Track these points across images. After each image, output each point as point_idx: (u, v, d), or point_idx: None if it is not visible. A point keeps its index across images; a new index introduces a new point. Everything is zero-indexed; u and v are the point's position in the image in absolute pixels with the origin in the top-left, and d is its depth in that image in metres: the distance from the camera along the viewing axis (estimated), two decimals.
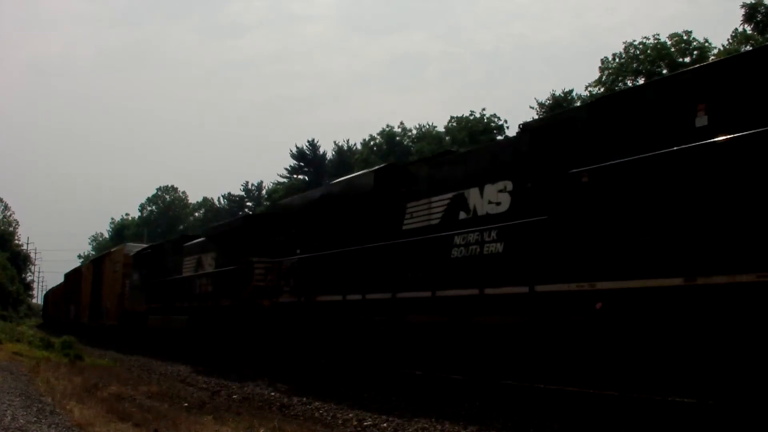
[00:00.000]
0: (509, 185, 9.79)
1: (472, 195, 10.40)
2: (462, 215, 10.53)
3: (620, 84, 39.52)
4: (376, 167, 14.25)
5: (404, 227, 11.72)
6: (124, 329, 29.09)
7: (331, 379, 12.97)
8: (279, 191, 64.92)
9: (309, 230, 14.96)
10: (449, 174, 11.10)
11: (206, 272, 20.46)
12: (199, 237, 23.65)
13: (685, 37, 39.18)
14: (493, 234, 9.76)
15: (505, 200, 9.81)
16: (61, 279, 62.23)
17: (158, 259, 25.59)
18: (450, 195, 10.85)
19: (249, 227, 18.11)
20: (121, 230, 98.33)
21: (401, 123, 55.43)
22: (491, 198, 10.06)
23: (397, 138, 53.82)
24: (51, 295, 63.27)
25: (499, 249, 9.61)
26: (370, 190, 12.94)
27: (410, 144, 52.25)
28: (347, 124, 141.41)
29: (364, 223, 12.87)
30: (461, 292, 10.15)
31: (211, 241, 20.99)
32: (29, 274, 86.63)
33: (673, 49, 39.26)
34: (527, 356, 9.16)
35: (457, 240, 10.35)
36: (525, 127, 10.04)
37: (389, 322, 11.70)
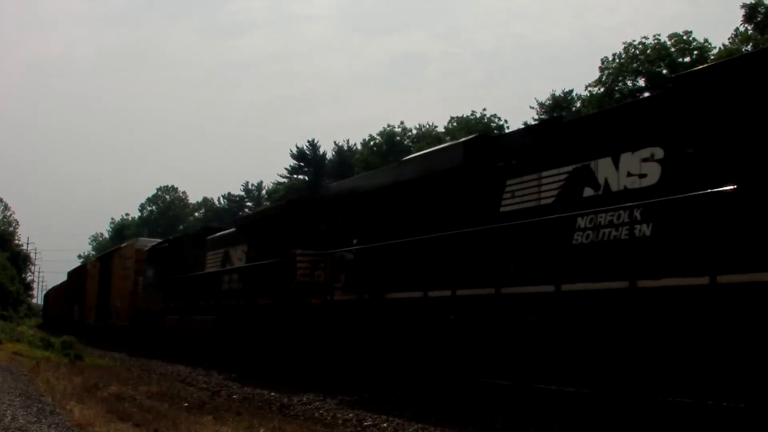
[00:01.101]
0: (658, 152, 8.01)
1: (603, 167, 8.51)
2: (588, 192, 8.65)
3: (620, 84, 39.56)
4: (465, 139, 12.14)
5: (503, 209, 9.75)
6: (136, 330, 26.90)
7: (331, 379, 12.95)
8: (279, 191, 64.93)
9: (369, 217, 13.01)
10: (566, 143, 9.17)
11: (237, 267, 18.26)
12: (224, 229, 21.83)
13: (685, 38, 39.19)
14: (643, 213, 7.71)
15: (653, 171, 8.00)
16: (61, 279, 62.28)
17: (176, 254, 23.53)
18: (569, 168, 8.92)
19: (292, 214, 15.89)
20: (121, 230, 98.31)
21: (401, 123, 55.41)
22: (631, 169, 8.23)
23: (397, 138, 53.80)
24: (52, 294, 62.18)
25: (649, 232, 7.59)
26: (458, 165, 10.89)
27: (410, 144, 52.22)
28: (347, 124, 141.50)
29: (448, 205, 10.88)
30: (597, 285, 8.10)
31: (242, 233, 18.76)
32: (29, 274, 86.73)
33: (673, 49, 39.26)
34: (705, 366, 7.13)
35: (582, 222, 8.38)
36: (683, 79, 8.30)
37: (490, 323, 9.63)
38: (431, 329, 10.71)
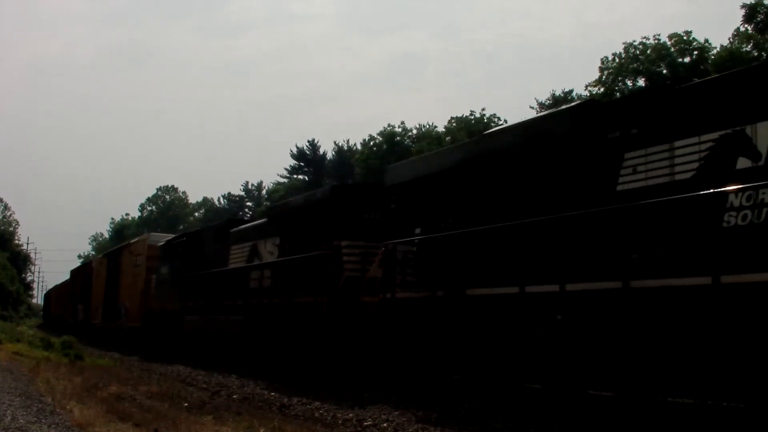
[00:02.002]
0: None
1: (765, 132, 6.98)
2: (744, 163, 7.11)
3: (620, 84, 39.57)
4: (571, 104, 10.58)
5: (621, 187, 8.21)
6: (149, 331, 24.80)
7: (332, 379, 12.94)
8: (279, 191, 64.96)
9: (438, 202, 11.19)
10: (710, 105, 7.61)
11: (270, 262, 16.39)
12: (250, 221, 20.29)
13: (685, 38, 39.20)
14: None
15: None
16: (61, 279, 62.20)
17: (194, 249, 21.58)
18: (714, 135, 7.37)
19: (337, 201, 13.97)
20: (121, 230, 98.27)
21: (402, 123, 55.42)
22: None
23: (398, 138, 53.81)
24: (54, 294, 60.61)
25: None
26: (561, 137, 9.11)
27: (410, 144, 52.22)
28: (347, 124, 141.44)
29: (548, 184, 9.15)
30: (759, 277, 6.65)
31: (274, 223, 16.79)
32: (29, 274, 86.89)
33: (673, 50, 39.28)
34: None
35: (736, 200, 6.92)
36: None
37: (619, 323, 8.01)
38: (530, 331, 9.02)
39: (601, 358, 8.17)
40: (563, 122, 9.30)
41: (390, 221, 12.34)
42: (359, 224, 13.43)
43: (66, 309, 46.68)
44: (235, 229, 19.52)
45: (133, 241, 31.18)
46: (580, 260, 8.41)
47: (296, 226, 15.50)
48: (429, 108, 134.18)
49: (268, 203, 64.03)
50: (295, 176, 70.92)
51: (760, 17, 35.43)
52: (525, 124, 10.72)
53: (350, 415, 9.21)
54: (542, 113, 12.19)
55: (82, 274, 41.68)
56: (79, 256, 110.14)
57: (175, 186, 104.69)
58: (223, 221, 23.69)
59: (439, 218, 11.06)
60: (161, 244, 25.18)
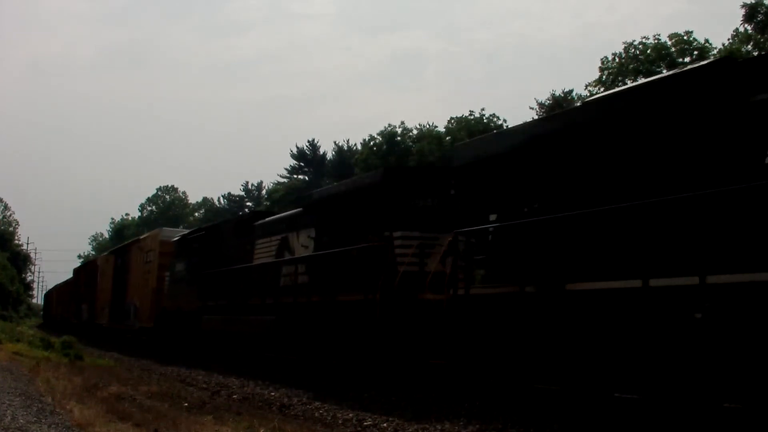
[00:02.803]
0: None
1: None
2: None
3: (620, 84, 39.55)
4: (703, 62, 9.35)
5: None
6: (161, 332, 23.31)
7: (332, 379, 12.94)
8: (279, 191, 64.93)
9: (517, 183, 9.74)
10: None
11: (305, 256, 14.77)
12: (277, 213, 18.77)
13: (685, 38, 39.22)
14: None
15: None
16: (61, 279, 62.23)
17: (213, 244, 20.09)
18: None
19: (389, 187, 12.42)
20: (121, 230, 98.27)
21: (402, 123, 55.37)
22: None
23: (398, 138, 53.78)
24: (55, 293, 59.28)
25: None
26: (690, 102, 7.75)
27: (411, 144, 52.20)
28: (347, 124, 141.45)
29: (677, 156, 7.74)
30: None
31: (310, 213, 15.16)
32: (29, 274, 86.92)
33: (673, 49, 39.30)
34: None
35: None
36: None
37: None
38: (659, 333, 7.53)
39: (760, 366, 6.60)
40: (694, 85, 7.90)
41: (452, 208, 10.98)
42: (413, 212, 12.01)
43: (69, 309, 45.41)
44: (260, 221, 17.98)
45: (143, 236, 29.29)
46: (723, 247, 7.03)
47: (337, 216, 13.90)
48: (429, 108, 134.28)
49: (267, 203, 63.99)
50: (295, 176, 70.88)
51: (760, 17, 35.43)
52: (643, 86, 9.33)
53: (350, 415, 9.22)
54: (662, 75, 11.00)
55: (86, 272, 40.20)
56: (79, 256, 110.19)
57: (175, 186, 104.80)
58: (246, 213, 22.28)
59: (521, 202, 9.64)
60: (176, 239, 23.57)
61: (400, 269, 11.51)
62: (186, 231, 25.31)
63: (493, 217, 10.06)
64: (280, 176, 73.11)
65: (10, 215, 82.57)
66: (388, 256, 11.72)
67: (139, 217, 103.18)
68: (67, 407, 8.85)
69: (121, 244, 36.80)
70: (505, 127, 50.19)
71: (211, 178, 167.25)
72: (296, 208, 16.92)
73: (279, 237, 16.31)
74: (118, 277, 29.92)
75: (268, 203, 64.25)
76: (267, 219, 17.99)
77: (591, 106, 9.86)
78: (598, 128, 8.77)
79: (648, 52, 39.53)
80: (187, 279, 21.38)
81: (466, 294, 10.10)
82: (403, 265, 11.53)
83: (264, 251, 16.98)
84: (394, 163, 44.04)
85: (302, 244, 15.11)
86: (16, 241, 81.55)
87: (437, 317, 10.53)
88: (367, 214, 12.76)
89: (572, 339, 8.51)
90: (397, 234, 11.87)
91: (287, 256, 15.69)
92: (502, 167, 10.13)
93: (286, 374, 13.52)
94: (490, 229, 10.13)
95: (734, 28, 37.69)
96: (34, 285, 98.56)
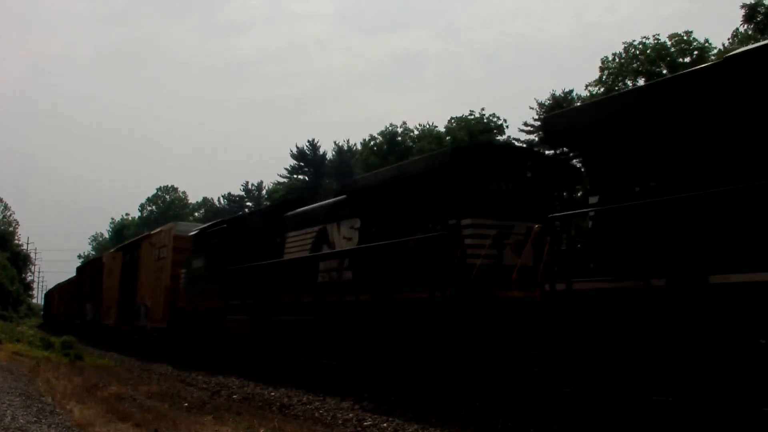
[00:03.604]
0: None
1: None
2: None
3: (620, 84, 39.57)
4: None
5: None
6: (177, 334, 21.45)
7: (332, 379, 12.93)
8: (279, 191, 64.97)
9: (625, 159, 8.37)
10: None
11: (353, 249, 13.01)
12: (308, 204, 16.79)
13: (685, 38, 39.24)
14: None
15: None
16: (61, 279, 62.18)
17: (236, 238, 18.40)
18: None
19: (459, 167, 10.87)
20: (121, 230, 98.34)
21: (404, 123, 55.40)
22: None
23: (398, 138, 53.80)
24: (57, 292, 57.17)
25: None
26: None
27: (411, 144, 52.22)
28: (347, 124, 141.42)
29: None
30: None
31: (354, 201, 13.42)
32: (29, 274, 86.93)
33: (673, 50, 39.32)
34: None
35: None
36: None
37: None
38: None
39: None
40: None
41: (531, 192, 9.58)
42: (486, 197, 10.56)
43: (72, 309, 43.75)
44: (292, 212, 16.11)
45: (154, 231, 27.38)
46: None
47: (389, 204, 12.26)
48: (429, 107, 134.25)
49: (267, 203, 64.00)
50: (295, 176, 70.97)
51: (760, 17, 35.43)
52: None
53: (350, 415, 9.22)
54: None
55: (91, 270, 38.38)
56: (79, 256, 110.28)
57: (175, 186, 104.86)
58: (275, 204, 20.23)
59: (629, 181, 8.26)
60: (193, 233, 21.66)
61: (473, 262, 9.92)
62: (204, 224, 23.20)
63: (594, 200, 8.74)
64: (280, 176, 73.22)
65: (10, 215, 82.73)
66: (458, 247, 10.10)
67: (139, 217, 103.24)
68: (67, 407, 8.86)
69: (129, 240, 34.24)
70: (505, 127, 50.34)
71: (211, 178, 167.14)
72: (336, 197, 15.23)
73: (316, 229, 14.56)
74: (127, 275, 28.27)
75: (267, 203, 64.26)
76: (300, 209, 16.09)
77: (740, 59, 7.51)
78: (743, 90, 7.15)
79: (648, 52, 39.55)
80: (205, 276, 19.66)
81: (568, 289, 8.42)
82: (479, 258, 9.90)
83: (297, 245, 15.24)
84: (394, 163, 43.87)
85: (345, 236, 13.37)
86: (16, 241, 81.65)
87: (522, 317, 9.09)
88: (428, 200, 11.28)
89: (712, 342, 7.06)
90: (466, 222, 10.38)
91: (325, 250, 14.01)
92: (603, 141, 8.66)
93: (328, 381, 12.30)
94: (590, 213, 8.72)
95: (734, 28, 37.77)
96: (34, 285, 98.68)
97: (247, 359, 16.55)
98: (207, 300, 19.15)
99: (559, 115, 10.42)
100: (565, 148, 9.33)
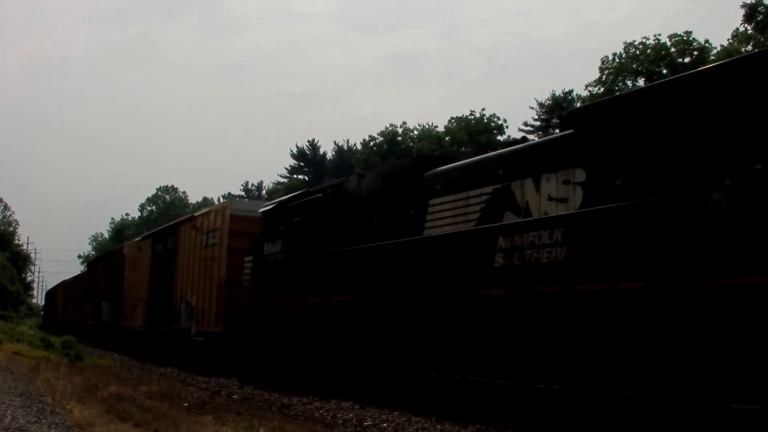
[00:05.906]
0: None
1: None
2: None
3: (620, 84, 39.56)
4: None
5: None
6: (238, 340, 17.16)
7: (333, 379, 12.92)
8: (279, 191, 65.01)
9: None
10: None
11: (587, 211, 8.06)
12: (457, 159, 11.96)
13: (685, 38, 39.23)
14: None
15: None
16: (61, 279, 62.09)
17: (335, 213, 13.32)
18: None
19: None
20: (121, 230, 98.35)
21: (404, 123, 55.39)
22: None
23: (399, 138, 53.80)
24: (61, 291, 51.63)
25: None
26: None
27: (411, 144, 52.22)
28: (347, 124, 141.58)
29: None
30: None
31: (576, 142, 8.60)
32: (29, 274, 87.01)
33: (673, 50, 39.33)
34: None
35: None
36: None
37: None
38: None
39: None
40: None
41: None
42: None
43: (83, 308, 38.03)
44: (439, 169, 11.24)
45: (199, 213, 21.44)
46: None
47: (653, 142, 7.56)
48: (429, 107, 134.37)
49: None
50: (295, 176, 71.08)
51: (760, 17, 35.45)
52: None
53: (350, 415, 9.21)
54: None
55: (107, 264, 32.99)
56: (79, 256, 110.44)
57: (175, 186, 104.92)
58: (404, 160, 15.57)
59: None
60: (266, 209, 16.35)
61: None
62: (283, 197, 17.52)
63: None
64: (280, 176, 73.41)
65: (10, 215, 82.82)
66: None
67: (139, 217, 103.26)
68: (67, 407, 8.85)
69: (161, 226, 27.52)
70: (505, 127, 50.25)
71: (211, 178, 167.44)
72: (516, 144, 11.33)
73: (488, 190, 9.86)
74: (160, 268, 23.30)
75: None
76: (452, 165, 11.23)
77: None
78: None
79: (648, 52, 39.56)
80: (284, 266, 14.80)
81: None
82: None
83: (448, 215, 10.49)
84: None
85: (551, 195, 8.86)
86: (16, 241, 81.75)
87: None
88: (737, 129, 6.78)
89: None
90: None
91: (510, 219, 9.30)
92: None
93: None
94: None
95: (734, 28, 37.79)
96: (34, 285, 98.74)
97: (366, 376, 12.74)
98: (289, 295, 14.46)
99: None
100: None
